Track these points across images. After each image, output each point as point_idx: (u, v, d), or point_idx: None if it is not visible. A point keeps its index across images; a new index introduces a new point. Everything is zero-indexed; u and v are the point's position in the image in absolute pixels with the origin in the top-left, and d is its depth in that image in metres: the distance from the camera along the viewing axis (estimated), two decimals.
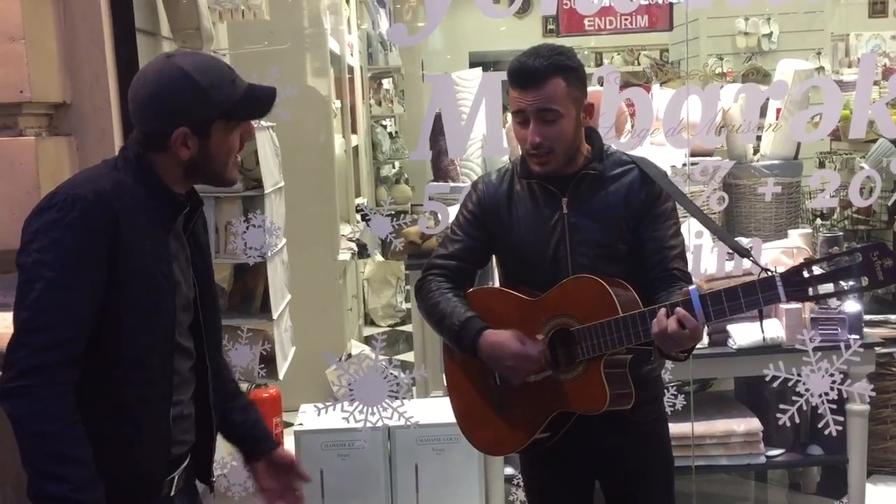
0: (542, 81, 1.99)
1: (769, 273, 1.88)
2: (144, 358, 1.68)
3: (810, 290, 1.82)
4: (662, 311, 1.89)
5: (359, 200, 6.07)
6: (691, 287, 1.90)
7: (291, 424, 3.39)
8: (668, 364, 2.83)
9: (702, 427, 3.28)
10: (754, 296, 1.86)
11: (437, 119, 2.87)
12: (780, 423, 2.83)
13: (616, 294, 1.99)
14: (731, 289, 1.88)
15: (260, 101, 1.75)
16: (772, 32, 6.71)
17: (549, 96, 2.00)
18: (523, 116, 2.04)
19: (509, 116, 3.54)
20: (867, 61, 2.81)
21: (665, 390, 2.92)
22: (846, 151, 5.39)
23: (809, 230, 3.61)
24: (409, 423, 2.73)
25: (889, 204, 4.24)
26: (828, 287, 1.82)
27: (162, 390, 1.72)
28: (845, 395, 2.89)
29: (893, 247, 4.98)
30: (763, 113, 3.51)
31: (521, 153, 2.17)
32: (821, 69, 5.99)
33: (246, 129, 1.77)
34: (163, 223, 1.72)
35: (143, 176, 1.72)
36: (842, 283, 1.81)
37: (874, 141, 4.68)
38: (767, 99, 3.51)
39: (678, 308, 1.87)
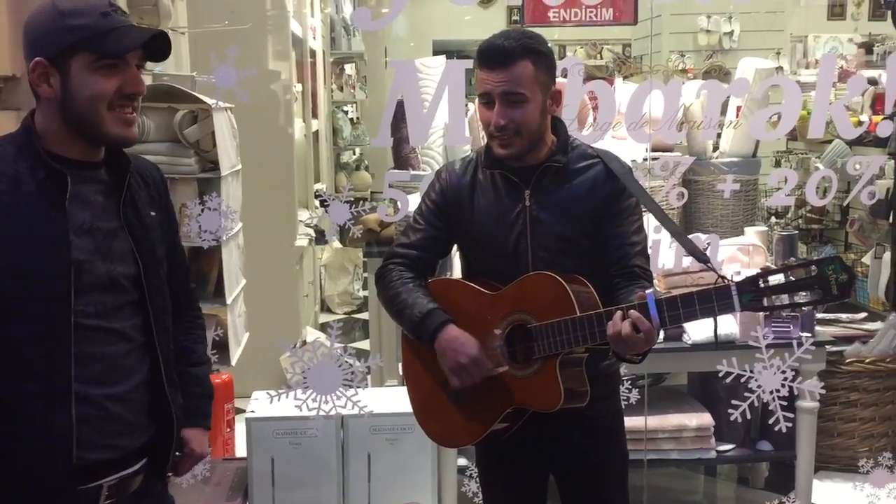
0: (510, 62, 1.97)
1: (726, 281, 1.87)
2: (19, 349, 1.54)
3: (765, 300, 1.82)
4: (618, 313, 1.88)
5: (318, 186, 6.01)
6: (648, 291, 1.89)
7: (243, 411, 3.35)
8: None
9: (655, 421, 3.29)
10: (710, 304, 1.85)
11: (399, 106, 2.84)
12: (732, 418, 2.85)
13: (574, 292, 1.97)
14: (686, 295, 1.87)
15: (125, 36, 1.58)
16: (733, 31, 6.77)
17: (516, 78, 1.98)
18: (489, 98, 2.02)
19: (471, 106, 3.52)
20: (827, 62, 2.84)
21: (620, 384, 2.93)
22: (802, 151, 5.46)
23: (765, 228, 3.64)
24: (362, 412, 2.70)
25: (845, 204, 4.30)
26: (782, 298, 1.82)
27: (49, 384, 1.56)
28: (796, 393, 2.92)
29: (845, 245, 5.06)
30: (723, 110, 3.53)
31: (484, 143, 2.15)
32: (780, 69, 6.06)
33: (129, 76, 1.60)
34: (48, 197, 1.57)
35: (27, 143, 1.59)
36: (796, 295, 1.80)
37: (829, 142, 4.75)
38: (728, 96, 3.53)
39: (632, 311, 1.86)
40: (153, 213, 1.77)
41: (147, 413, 1.72)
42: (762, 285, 1.82)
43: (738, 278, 1.88)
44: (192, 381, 1.90)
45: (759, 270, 1.86)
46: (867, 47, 5.89)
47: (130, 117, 1.63)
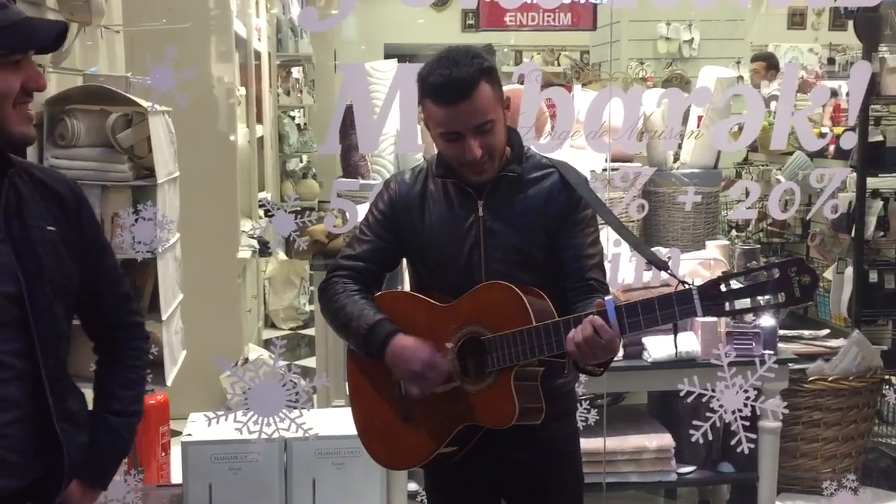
0: (472, 90, 1.95)
1: (686, 286, 1.88)
2: None
3: (727, 304, 1.84)
4: (586, 319, 1.88)
5: (262, 195, 5.95)
6: (607, 298, 1.90)
7: (179, 434, 3.29)
8: (582, 377, 2.83)
9: (613, 442, 3.29)
10: (670, 309, 1.87)
11: (348, 111, 2.83)
12: (693, 439, 2.85)
13: (530, 303, 1.97)
14: (647, 301, 1.88)
15: (30, 29, 1.57)
16: (693, 39, 6.87)
17: (482, 106, 1.97)
18: (457, 135, 1.99)
19: None
20: (790, 72, 2.87)
21: (578, 404, 2.93)
22: (762, 163, 5.54)
23: (727, 242, 3.67)
24: (307, 434, 2.66)
25: (808, 218, 4.36)
26: (744, 302, 1.84)
27: None
28: (758, 412, 2.94)
29: (806, 259, 5.13)
30: (684, 120, 3.55)
31: (436, 151, 2.13)
32: (740, 78, 6.15)
33: (31, 72, 1.59)
34: None
35: None
36: (759, 298, 1.82)
37: (790, 153, 4.83)
38: (689, 105, 3.56)
39: (594, 317, 1.87)
40: (51, 228, 1.67)
41: (33, 451, 1.61)
42: (724, 289, 1.83)
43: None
44: (106, 430, 1.77)
45: (720, 274, 1.88)
46: (767, 59, 6.01)
47: (31, 114, 1.64)
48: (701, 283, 1.86)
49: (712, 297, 1.84)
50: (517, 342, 1.96)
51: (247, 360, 4.62)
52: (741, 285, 1.84)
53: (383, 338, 2.04)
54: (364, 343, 2.08)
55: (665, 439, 3.39)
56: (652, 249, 3.02)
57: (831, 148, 4.25)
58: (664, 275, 2.14)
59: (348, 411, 2.26)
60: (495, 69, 2.03)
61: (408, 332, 2.07)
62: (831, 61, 6.06)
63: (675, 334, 3.13)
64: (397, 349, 2.03)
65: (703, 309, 1.84)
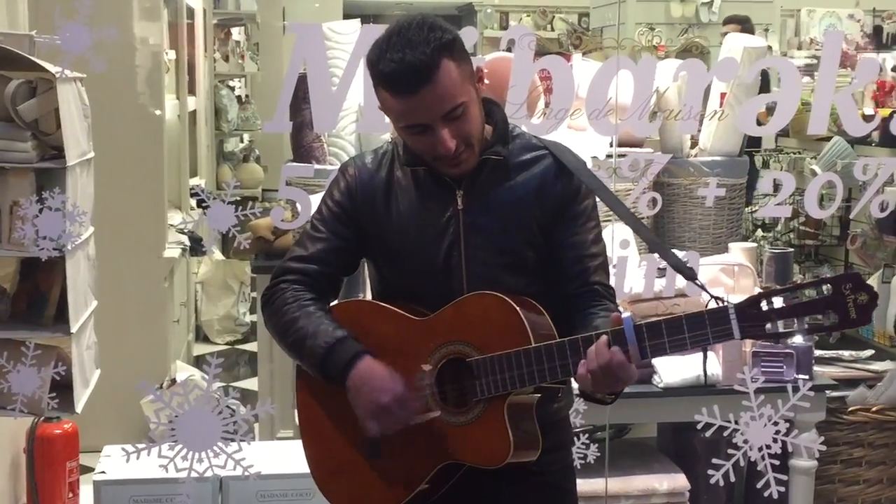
0: (434, 74, 1.93)
1: (721, 303, 1.88)
2: None
3: (769, 325, 1.83)
4: (603, 338, 1.87)
5: (194, 181, 5.93)
6: (625, 314, 1.89)
7: (92, 470, 3.28)
8: (581, 405, 2.83)
9: (617, 484, 3.31)
10: (702, 330, 1.86)
11: (301, 82, 2.83)
12: (712, 481, 2.86)
13: (527, 318, 1.97)
14: (673, 320, 1.87)
15: None
16: (712, 1, 6.91)
17: (447, 90, 1.95)
18: (424, 127, 1.99)
19: None
20: (832, 41, 2.89)
21: (575, 437, 2.93)
22: (794, 150, 5.57)
23: (754, 245, 3.69)
24: (247, 472, 2.64)
25: (851, 216, 4.39)
26: (790, 324, 1.84)
27: None
28: (789, 449, 2.95)
29: (844, 265, 5.16)
30: (705, 98, 3.56)
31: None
32: (769, 49, 6.20)
33: None
34: None
35: None
36: (806, 319, 1.82)
37: (827, 139, 4.86)
38: (711, 80, 3.57)
39: (610, 339, 1.86)
40: None
41: None
42: (765, 308, 1.83)
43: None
44: None
45: (759, 290, 1.88)
46: (742, 23, 6.02)
47: None
48: (739, 301, 1.86)
49: (752, 316, 1.84)
50: (513, 366, 1.95)
51: (174, 381, 4.62)
52: (786, 304, 1.84)
53: (348, 359, 2.04)
54: (321, 365, 2.07)
55: (678, 480, 3.42)
56: None
57: (876, 134, 4.28)
58: (680, 283, 2.14)
59: (298, 444, 2.26)
60: (458, 40, 2.01)
61: (375, 351, 2.06)
62: (877, 30, 6.10)
63: (705, 359, 3.15)
64: (364, 374, 2.02)
65: (742, 331, 1.84)
